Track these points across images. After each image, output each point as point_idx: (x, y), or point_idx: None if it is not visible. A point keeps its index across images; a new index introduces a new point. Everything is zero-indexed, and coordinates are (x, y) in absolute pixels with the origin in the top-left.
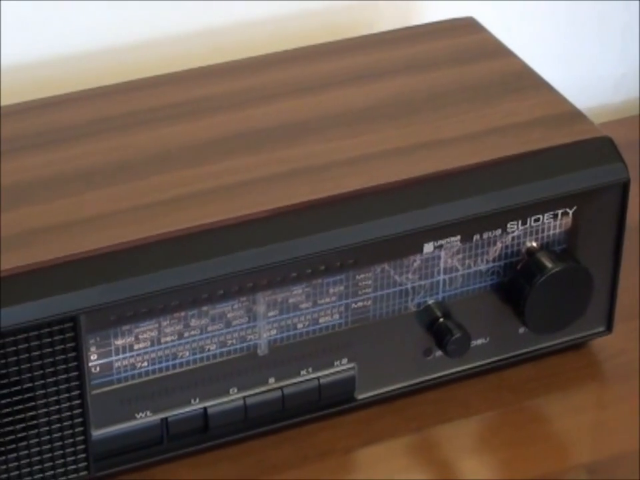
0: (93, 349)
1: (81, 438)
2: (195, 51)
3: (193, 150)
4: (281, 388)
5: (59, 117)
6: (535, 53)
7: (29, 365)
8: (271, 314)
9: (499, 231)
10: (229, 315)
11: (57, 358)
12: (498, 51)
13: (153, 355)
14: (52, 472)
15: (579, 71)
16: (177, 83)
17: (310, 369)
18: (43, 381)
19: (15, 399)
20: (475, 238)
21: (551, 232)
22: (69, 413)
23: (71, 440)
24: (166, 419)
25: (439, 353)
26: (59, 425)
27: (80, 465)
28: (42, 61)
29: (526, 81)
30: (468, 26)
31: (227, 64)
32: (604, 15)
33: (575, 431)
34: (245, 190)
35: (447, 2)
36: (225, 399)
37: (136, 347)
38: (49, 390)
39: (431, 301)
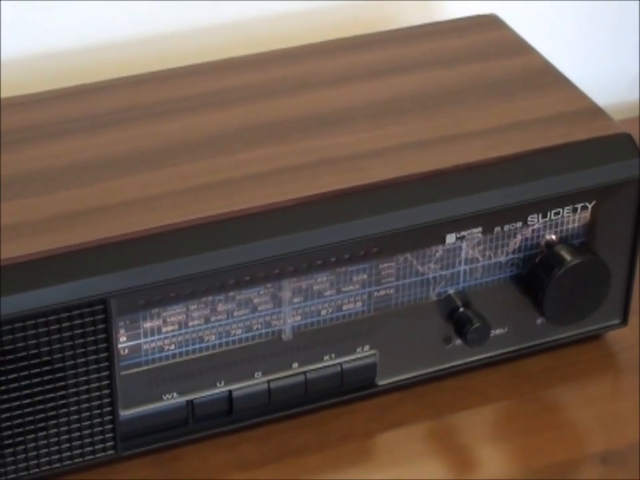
0: (122, 331)
1: (109, 418)
2: (226, 42)
3: (222, 139)
4: (304, 373)
5: (92, 105)
6: (556, 50)
7: (60, 345)
8: (295, 300)
9: (519, 224)
10: (254, 301)
11: (87, 339)
12: (520, 47)
13: (180, 338)
14: (80, 450)
15: (597, 68)
16: (207, 74)
17: (333, 355)
18: (73, 362)
19: (45, 378)
20: (495, 230)
21: (570, 225)
22: (97, 393)
23: (100, 419)
24: (192, 401)
25: (458, 341)
26: (88, 405)
27: (107, 444)
28: (65, 51)
29: (547, 77)
30: (490, 23)
31: (257, 55)
32: (622, 14)
33: (589, 421)
34: (273, 179)
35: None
36: (250, 383)
37: (164, 330)
38: (79, 370)
39: (451, 291)
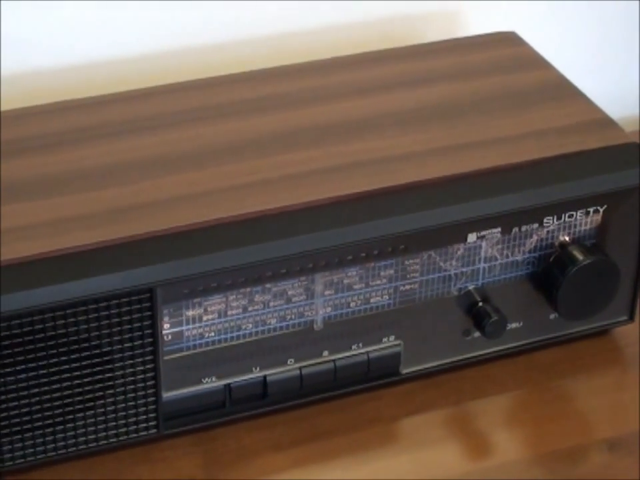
0: (166, 318)
1: (153, 399)
2: (266, 53)
3: (260, 143)
4: (333, 360)
5: (140, 109)
6: (571, 66)
7: (108, 331)
8: (327, 293)
9: (535, 225)
10: (289, 293)
11: (134, 326)
12: (537, 62)
13: (220, 326)
14: (125, 429)
15: (609, 83)
16: (248, 82)
17: (360, 344)
18: (120, 346)
19: (95, 361)
20: (513, 230)
21: (582, 227)
22: (142, 376)
23: (143, 400)
24: (229, 384)
25: (476, 334)
26: (133, 387)
27: (150, 424)
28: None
29: (562, 90)
30: (510, 39)
31: (294, 66)
32: (633, 36)
33: (597, 410)
34: (307, 180)
35: (490, 17)
36: (283, 369)
37: (205, 318)
38: (125, 354)
39: (471, 287)
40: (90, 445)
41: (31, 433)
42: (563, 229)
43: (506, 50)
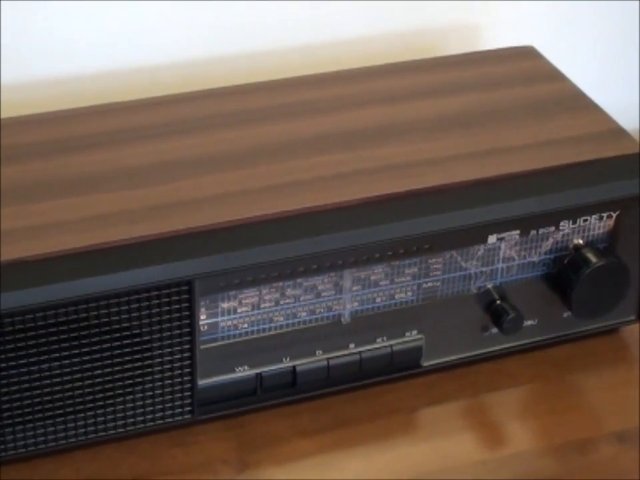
0: (203, 310)
1: (188, 386)
2: (299, 62)
3: (295, 146)
4: (359, 352)
5: (182, 112)
6: (587, 79)
7: (149, 320)
8: (354, 288)
9: (552, 228)
10: (319, 287)
11: (172, 316)
12: (554, 76)
13: (253, 318)
14: (162, 413)
15: (623, 96)
16: (283, 89)
17: (384, 338)
18: (159, 335)
19: (135, 349)
20: (531, 233)
21: (596, 231)
22: (179, 364)
23: (180, 387)
24: (260, 373)
25: (494, 330)
26: (170, 374)
27: (185, 409)
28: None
29: (578, 102)
30: (528, 53)
31: (326, 74)
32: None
33: (606, 403)
34: (338, 181)
35: (510, 31)
36: (311, 359)
37: (239, 310)
38: (164, 343)
39: (490, 285)
40: (129, 428)
41: (73, 416)
42: (577, 233)
43: (524, 63)
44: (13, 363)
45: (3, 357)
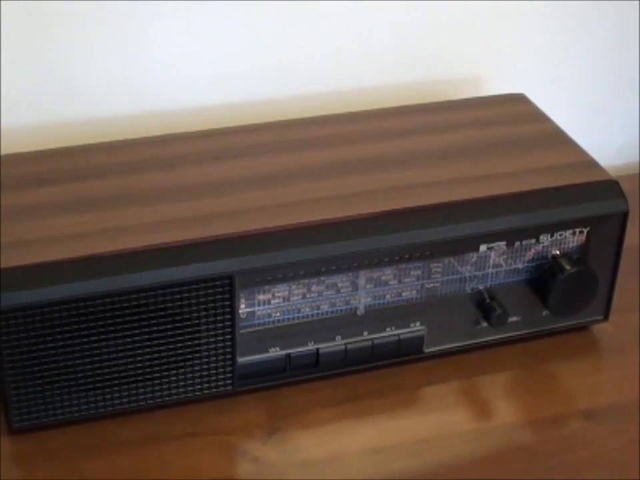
0: (242, 300)
1: (230, 362)
2: (324, 105)
3: (321, 170)
4: (371, 339)
5: (232, 141)
6: (569, 122)
7: (197, 307)
8: (368, 286)
9: (533, 240)
10: (338, 285)
11: (217, 304)
12: (540, 118)
13: (284, 309)
14: (207, 384)
15: (595, 138)
16: (314, 125)
17: (393, 328)
18: (206, 320)
19: (186, 331)
20: (516, 244)
21: (570, 244)
22: (222, 344)
23: (223, 363)
24: (289, 354)
25: (484, 323)
26: (214, 352)
27: (227, 382)
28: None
29: (558, 139)
30: (519, 99)
31: (350, 114)
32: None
33: (576, 387)
34: (356, 198)
35: (505, 81)
36: (332, 344)
37: (272, 301)
38: (210, 326)
39: (481, 287)
40: (180, 397)
41: (135, 385)
42: (554, 245)
43: (515, 107)
44: (94, 338)
45: (85, 334)
